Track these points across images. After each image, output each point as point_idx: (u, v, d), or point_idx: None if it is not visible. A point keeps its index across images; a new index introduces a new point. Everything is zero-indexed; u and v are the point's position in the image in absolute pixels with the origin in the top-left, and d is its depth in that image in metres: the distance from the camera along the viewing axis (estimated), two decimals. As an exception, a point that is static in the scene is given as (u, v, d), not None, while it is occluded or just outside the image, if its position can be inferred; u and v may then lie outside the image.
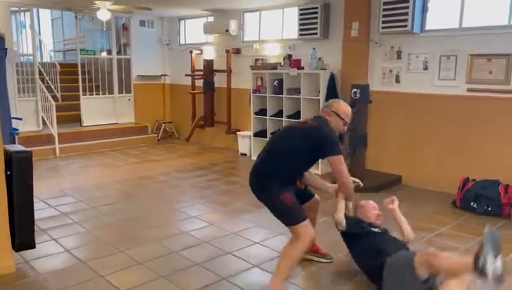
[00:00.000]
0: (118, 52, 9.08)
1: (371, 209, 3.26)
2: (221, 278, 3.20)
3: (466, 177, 4.94)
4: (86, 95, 8.60)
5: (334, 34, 6.38)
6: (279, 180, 2.85)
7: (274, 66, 6.87)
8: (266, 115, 7.04)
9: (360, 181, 3.20)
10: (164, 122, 9.41)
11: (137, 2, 7.00)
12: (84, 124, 8.53)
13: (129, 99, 9.16)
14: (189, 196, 5.40)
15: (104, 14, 7.00)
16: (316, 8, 6.31)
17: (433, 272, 2.53)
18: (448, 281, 2.44)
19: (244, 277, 3.26)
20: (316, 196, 3.32)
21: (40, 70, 8.36)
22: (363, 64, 6.06)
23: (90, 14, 8.11)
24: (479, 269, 2.26)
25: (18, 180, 3.19)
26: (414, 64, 5.65)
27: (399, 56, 5.77)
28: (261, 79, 7.16)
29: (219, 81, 8.23)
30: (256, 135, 7.30)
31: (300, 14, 6.52)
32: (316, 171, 5.89)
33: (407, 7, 5.33)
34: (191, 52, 8.61)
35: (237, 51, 7.89)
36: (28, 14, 8.17)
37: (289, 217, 2.85)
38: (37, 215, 3.65)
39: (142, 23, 9.12)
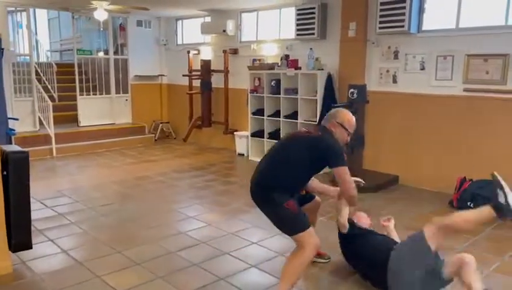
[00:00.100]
0: (115, 52, 9.06)
1: (363, 218, 3.38)
2: (219, 279, 3.21)
3: (463, 177, 4.96)
4: (82, 95, 8.58)
5: (331, 34, 6.39)
6: (282, 190, 2.77)
7: (271, 66, 6.88)
8: (263, 115, 7.04)
9: (361, 180, 3.19)
10: (161, 123, 9.40)
11: (134, 2, 6.99)
12: (81, 125, 8.51)
13: (126, 100, 9.14)
14: (186, 196, 5.39)
15: (101, 14, 6.98)
16: (313, 8, 6.33)
17: (442, 241, 2.64)
18: None
19: (241, 277, 3.26)
20: (317, 197, 3.32)
21: (36, 71, 8.35)
22: (360, 64, 6.07)
23: (87, 14, 8.08)
24: (504, 207, 2.49)
25: (14, 180, 3.18)
26: (411, 64, 5.67)
27: (396, 56, 5.79)
28: (259, 79, 7.16)
29: (216, 81, 8.22)
30: (253, 135, 7.30)
31: (298, 15, 6.54)
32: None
33: (404, 7, 5.34)
34: (188, 52, 8.61)
35: (234, 51, 7.88)
36: (24, 14, 8.14)
37: (294, 225, 2.74)
38: (34, 215, 3.63)
39: (139, 23, 9.10)
